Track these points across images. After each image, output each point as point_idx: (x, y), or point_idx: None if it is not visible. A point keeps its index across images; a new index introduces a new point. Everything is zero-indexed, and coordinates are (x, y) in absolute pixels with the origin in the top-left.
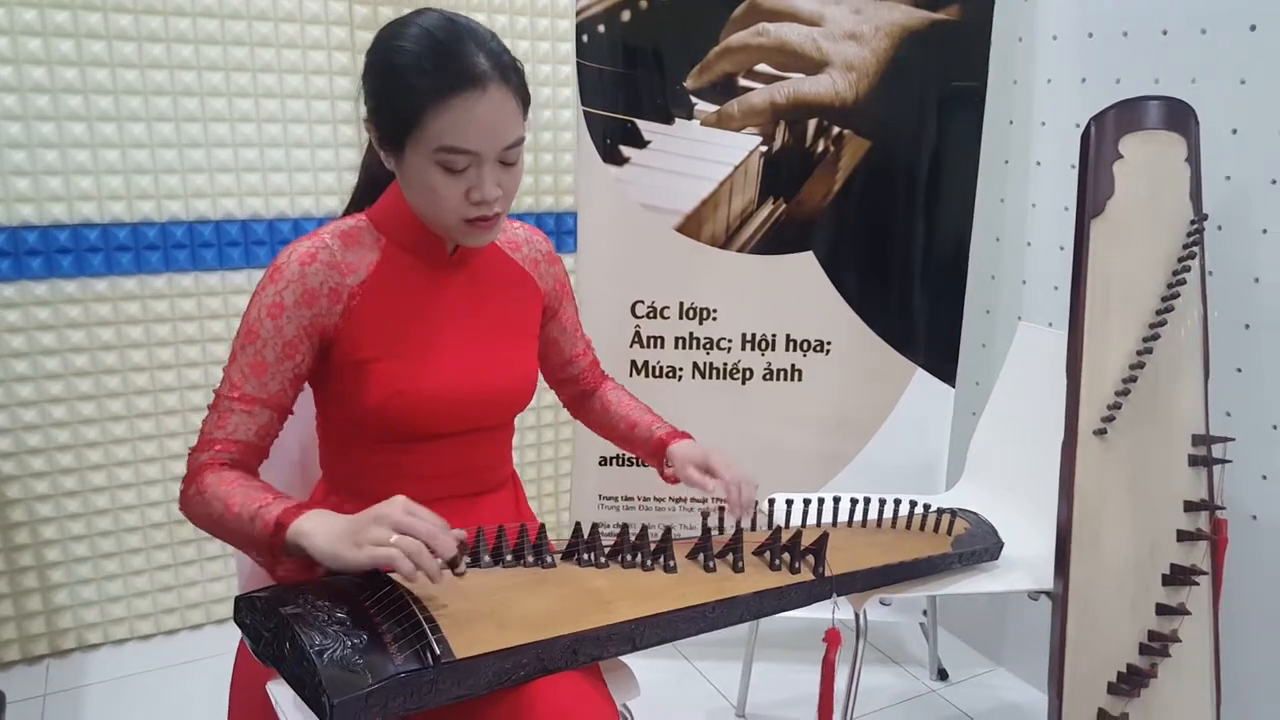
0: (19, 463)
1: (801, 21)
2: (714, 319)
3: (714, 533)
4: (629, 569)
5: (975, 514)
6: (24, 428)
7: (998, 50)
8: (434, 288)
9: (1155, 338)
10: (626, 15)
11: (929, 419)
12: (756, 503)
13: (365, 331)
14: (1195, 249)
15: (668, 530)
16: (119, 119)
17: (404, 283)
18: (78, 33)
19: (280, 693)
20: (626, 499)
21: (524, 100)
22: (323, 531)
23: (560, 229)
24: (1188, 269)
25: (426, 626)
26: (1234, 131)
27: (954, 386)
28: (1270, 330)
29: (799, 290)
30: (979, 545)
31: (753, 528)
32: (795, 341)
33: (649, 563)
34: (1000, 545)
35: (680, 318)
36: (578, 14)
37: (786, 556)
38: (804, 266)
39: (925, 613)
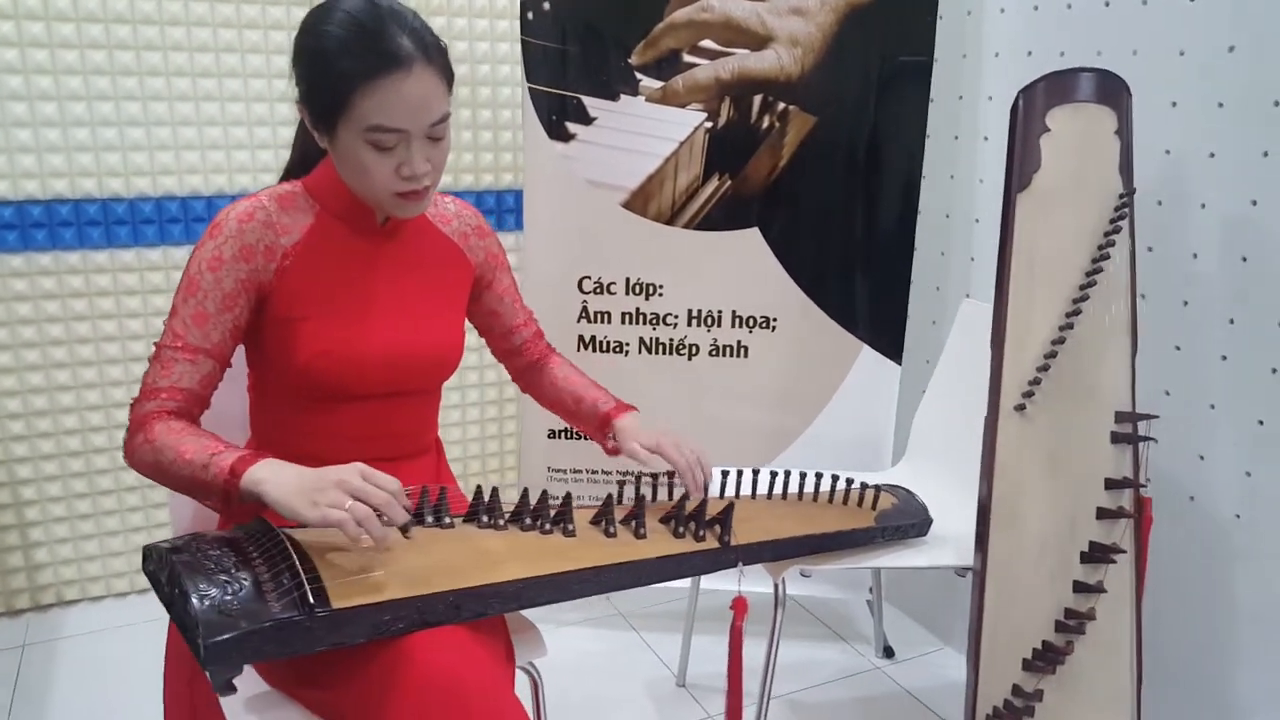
0: None
1: None
2: (660, 295)
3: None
4: (527, 532)
5: (907, 491)
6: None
7: (948, 23)
8: (364, 255)
9: (1077, 313)
10: None
11: (875, 396)
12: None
13: (296, 291)
14: (1121, 223)
15: (568, 495)
16: (59, 98)
17: (335, 249)
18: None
19: None
20: (575, 471)
21: (448, 78)
22: (279, 482)
23: (501, 207)
24: (1112, 243)
25: (305, 577)
26: (1173, 104)
27: (900, 364)
28: (1207, 307)
29: (745, 267)
30: (905, 521)
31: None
32: (741, 318)
33: (548, 526)
34: (929, 522)
35: (627, 293)
36: None
37: (692, 525)
38: (749, 243)
39: (871, 590)
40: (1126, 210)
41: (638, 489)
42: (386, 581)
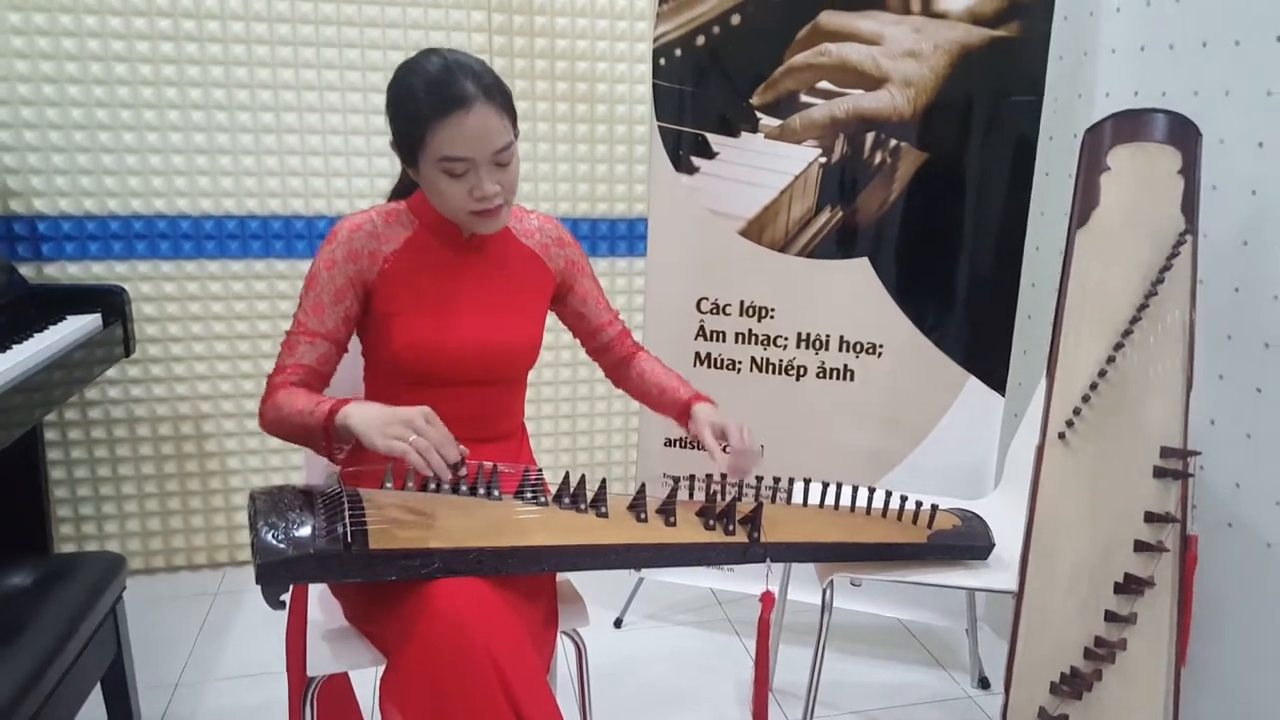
0: (214, 404)
1: (862, 41)
2: (771, 317)
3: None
4: (565, 510)
5: (976, 515)
6: (218, 376)
7: (1065, 63)
8: (452, 264)
9: (1121, 347)
10: (701, 40)
11: (979, 426)
12: (762, 478)
13: (393, 290)
14: (1174, 261)
15: (603, 481)
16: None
17: (428, 257)
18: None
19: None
20: (686, 477)
21: (510, 113)
22: (362, 416)
23: (632, 234)
24: (1162, 280)
25: (351, 523)
26: (1260, 145)
27: (1004, 395)
28: (1249, 339)
29: (853, 294)
30: (962, 542)
31: (740, 496)
32: (849, 343)
33: (583, 506)
34: (990, 547)
35: (741, 315)
36: (655, 40)
37: (724, 520)
38: (859, 272)
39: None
40: (1182, 249)
41: (676, 481)
42: (421, 535)
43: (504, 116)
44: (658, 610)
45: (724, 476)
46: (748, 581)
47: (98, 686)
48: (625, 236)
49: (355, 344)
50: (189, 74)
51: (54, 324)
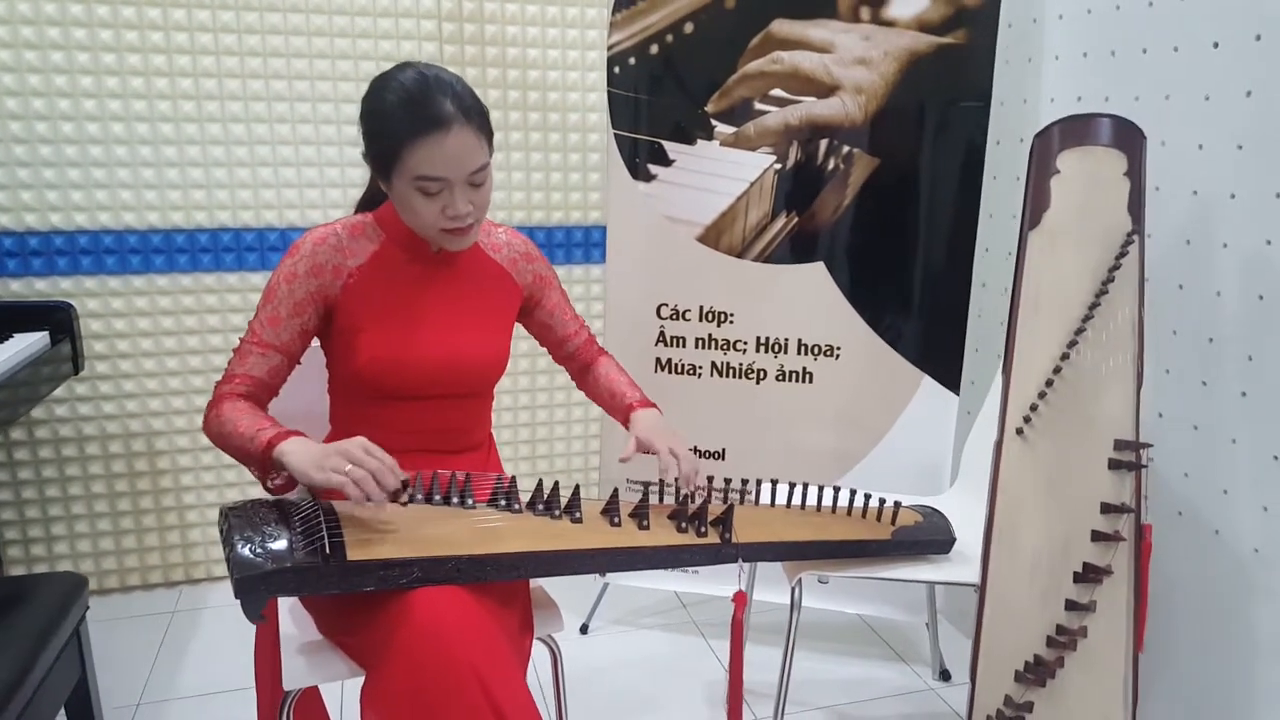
0: (166, 420)
1: (813, 49)
2: (731, 322)
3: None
4: (539, 516)
5: (936, 511)
6: (171, 392)
7: (1011, 70)
8: (420, 278)
9: (1075, 344)
10: (654, 48)
11: (934, 424)
12: (710, 479)
13: (358, 305)
14: (1123, 260)
15: (576, 487)
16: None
17: (394, 272)
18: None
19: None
20: (653, 484)
21: (487, 134)
22: (299, 454)
23: (588, 241)
24: (1113, 279)
25: (328, 535)
26: (1200, 147)
27: (958, 394)
28: (1229, 344)
29: (810, 298)
30: (924, 538)
31: (693, 500)
32: (806, 345)
33: (558, 513)
34: (951, 542)
35: (700, 320)
36: (609, 49)
37: (695, 523)
38: (815, 275)
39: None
40: (1130, 248)
41: (645, 487)
42: (398, 544)
43: (481, 137)
44: (623, 615)
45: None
46: (711, 584)
47: (62, 711)
48: (580, 244)
49: (320, 358)
50: (132, 86)
51: (1, 343)
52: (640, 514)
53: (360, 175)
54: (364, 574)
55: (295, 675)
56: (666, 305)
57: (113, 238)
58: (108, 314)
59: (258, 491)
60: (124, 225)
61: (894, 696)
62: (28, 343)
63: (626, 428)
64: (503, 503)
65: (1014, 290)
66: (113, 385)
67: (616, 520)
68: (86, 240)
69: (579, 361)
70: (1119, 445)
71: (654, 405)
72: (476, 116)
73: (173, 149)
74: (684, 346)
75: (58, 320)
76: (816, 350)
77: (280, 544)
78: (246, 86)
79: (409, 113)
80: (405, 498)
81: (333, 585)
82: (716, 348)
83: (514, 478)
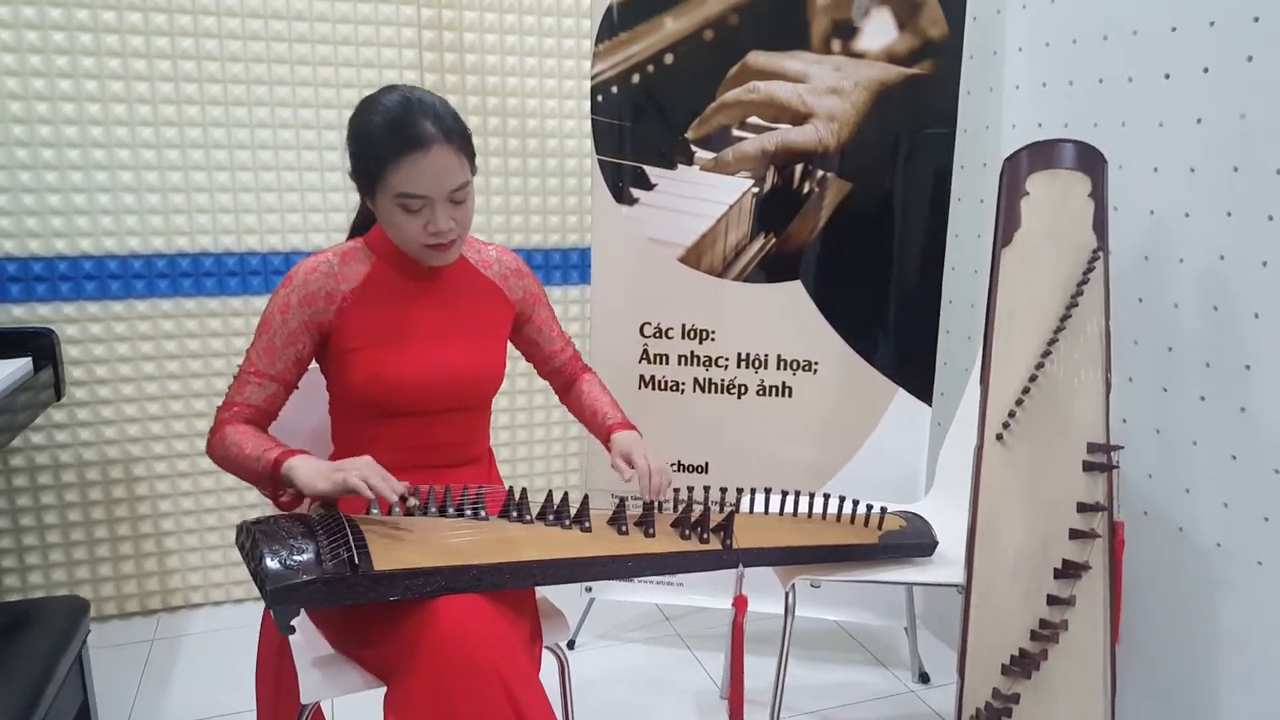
0: (144, 447)
1: (788, 79)
2: (712, 339)
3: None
4: (550, 526)
5: (919, 516)
6: (149, 418)
7: (974, 98)
8: (412, 296)
9: (1049, 354)
10: (636, 78)
11: (909, 434)
12: (676, 490)
13: (353, 327)
14: (1090, 275)
15: (585, 497)
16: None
17: (387, 292)
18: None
19: (295, 641)
20: (635, 499)
21: (468, 153)
22: (304, 468)
23: (566, 264)
24: (1082, 293)
25: (355, 547)
26: (1155, 170)
27: (931, 405)
28: (1187, 354)
29: (788, 315)
30: (909, 541)
31: (660, 509)
32: (786, 361)
33: (568, 523)
34: (934, 544)
35: (683, 338)
36: (593, 77)
37: (699, 530)
38: (792, 294)
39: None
40: (1096, 264)
41: (622, 500)
42: (421, 554)
43: (461, 156)
44: (608, 629)
45: (690, 491)
46: (693, 595)
47: None
48: (560, 266)
49: (320, 380)
50: (114, 112)
51: None
52: (646, 523)
53: (342, 200)
54: (391, 583)
55: (312, 689)
56: (650, 324)
57: (93, 263)
58: (87, 339)
59: (236, 518)
60: (104, 250)
61: (876, 700)
62: (11, 369)
63: (608, 448)
64: (514, 514)
65: (989, 304)
66: (90, 411)
67: (624, 529)
68: (66, 266)
69: (564, 377)
70: (1091, 448)
71: (634, 427)
72: (457, 137)
73: (154, 174)
74: (667, 364)
75: (40, 346)
76: (795, 365)
77: (307, 555)
78: (229, 113)
79: (391, 133)
80: (413, 502)
81: (361, 595)
82: (699, 364)
83: (525, 490)
